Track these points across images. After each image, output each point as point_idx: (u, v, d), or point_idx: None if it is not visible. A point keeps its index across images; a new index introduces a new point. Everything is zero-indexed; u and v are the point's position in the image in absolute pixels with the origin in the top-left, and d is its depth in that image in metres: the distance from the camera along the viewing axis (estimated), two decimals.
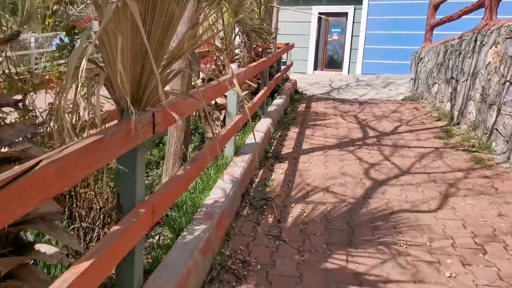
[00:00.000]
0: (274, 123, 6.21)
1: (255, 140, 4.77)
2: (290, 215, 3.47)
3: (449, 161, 4.92)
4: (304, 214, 3.48)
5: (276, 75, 7.70)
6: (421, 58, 9.86)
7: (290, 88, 9.14)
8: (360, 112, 7.85)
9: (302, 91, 10.23)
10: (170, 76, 2.20)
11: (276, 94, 7.88)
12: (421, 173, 4.55)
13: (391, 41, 15.61)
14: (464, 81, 6.58)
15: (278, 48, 8.46)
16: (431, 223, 3.37)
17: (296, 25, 17.43)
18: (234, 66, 4.26)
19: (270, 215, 3.44)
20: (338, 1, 16.79)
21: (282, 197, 3.82)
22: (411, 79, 10.79)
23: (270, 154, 5.07)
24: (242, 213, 3.46)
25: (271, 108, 6.74)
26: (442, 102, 7.68)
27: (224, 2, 5.16)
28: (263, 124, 5.58)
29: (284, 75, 9.99)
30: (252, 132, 5.02)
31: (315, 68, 17.48)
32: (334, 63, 17.56)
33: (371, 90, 11.41)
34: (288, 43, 10.16)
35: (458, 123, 6.62)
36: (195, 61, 6.36)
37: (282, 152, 5.20)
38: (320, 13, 17.18)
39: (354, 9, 16.54)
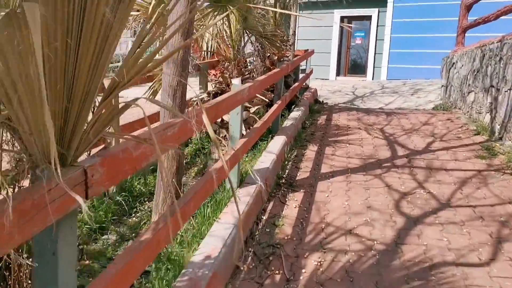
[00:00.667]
0: (290, 140, 5.49)
1: (265, 165, 4.07)
2: (303, 270, 2.73)
3: (496, 189, 4.10)
4: (321, 269, 2.74)
5: (294, 85, 6.98)
6: (454, 63, 8.96)
7: (310, 97, 8.39)
8: (387, 124, 7.04)
9: (322, 101, 9.46)
10: (118, 109, 1.52)
11: (293, 106, 7.16)
12: (464, 206, 3.74)
13: (418, 44, 14.67)
14: (507, 91, 5.71)
15: (296, 55, 7.74)
16: (485, 284, 2.59)
17: (318, 30, 16.67)
18: (236, 81, 3.57)
19: (277, 271, 2.72)
20: (361, 4, 15.95)
21: (294, 243, 3.09)
22: (442, 85, 9.88)
23: (283, 181, 4.35)
24: (242, 268, 2.75)
25: (286, 123, 6.01)
26: (479, 113, 6.80)
27: (229, 6, 4.50)
28: (276, 144, 4.87)
29: (304, 84, 9.25)
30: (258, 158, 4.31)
31: (338, 74, 16.66)
32: (357, 69, 16.70)
33: (398, 98, 10.55)
34: (308, 50, 9.42)
35: (501, 138, 5.75)
36: (202, 71, 5.72)
37: (297, 178, 4.47)
38: (342, 17, 16.39)
39: (378, 11, 15.67)
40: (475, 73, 7.24)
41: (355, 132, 6.46)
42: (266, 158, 4.33)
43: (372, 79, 15.66)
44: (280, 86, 5.49)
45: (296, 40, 17.40)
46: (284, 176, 4.48)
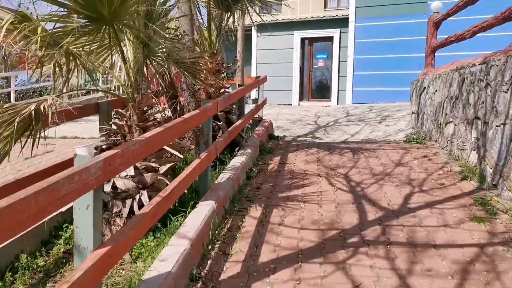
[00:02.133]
0: (224, 204, 3.99)
1: (166, 267, 2.55)
2: None
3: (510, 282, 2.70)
4: None
5: (236, 123, 5.51)
6: (425, 87, 7.74)
7: (262, 133, 6.95)
8: (353, 167, 5.64)
9: (278, 136, 8.03)
10: None
11: (237, 149, 5.68)
12: None
13: (383, 66, 13.61)
14: (499, 126, 4.41)
15: (241, 85, 6.30)
16: None
17: (277, 53, 15.47)
18: (81, 150, 2.08)
19: None
20: (322, 24, 14.88)
21: None
22: (413, 112, 8.65)
23: (200, 285, 2.82)
24: None
25: (222, 176, 4.52)
26: (463, 149, 5.50)
27: (117, 25, 3.03)
28: (197, 219, 3.35)
29: (256, 116, 7.83)
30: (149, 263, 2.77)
31: (301, 98, 15.45)
32: (321, 93, 15.52)
33: (365, 126, 9.26)
34: (259, 76, 8.03)
35: (495, 186, 4.43)
36: (101, 113, 4.19)
37: (221, 277, 2.94)
38: (303, 39, 15.27)
39: (340, 32, 14.63)
40: (453, 100, 5.98)
41: (314, 182, 5.01)
42: (172, 251, 2.80)
43: (337, 103, 14.48)
44: (207, 131, 4.01)
45: (256, 64, 16.16)
46: (201, 275, 2.94)
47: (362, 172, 5.37)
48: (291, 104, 15.12)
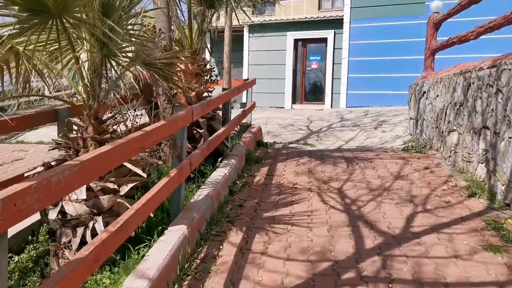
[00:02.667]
0: (198, 229, 3.42)
1: None
2: None
3: None
4: None
5: (220, 131, 4.94)
6: (424, 92, 7.22)
7: (249, 141, 6.38)
8: (348, 180, 5.10)
9: (268, 142, 7.46)
10: None
11: (220, 159, 5.11)
12: None
13: (379, 68, 13.10)
14: None
15: (225, 89, 5.74)
16: None
17: (270, 54, 14.92)
18: None
19: None
20: (316, 25, 14.34)
21: None
22: (411, 118, 8.13)
23: None
24: None
25: (200, 193, 3.94)
26: (468, 161, 4.97)
27: (66, 18, 2.46)
28: (162, 251, 2.77)
29: (244, 121, 7.27)
30: None
31: (294, 101, 14.91)
32: (315, 95, 14.99)
33: (360, 132, 8.73)
34: (248, 79, 7.46)
35: (508, 205, 3.90)
36: (59, 121, 3.61)
37: None
38: (296, 40, 14.73)
39: (334, 33, 14.11)
40: (457, 107, 5.46)
41: (304, 198, 4.46)
42: None
43: (331, 106, 13.95)
44: (181, 143, 3.43)
45: (248, 66, 15.59)
46: None
47: (358, 187, 4.82)
48: (283, 107, 14.58)
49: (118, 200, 2.85)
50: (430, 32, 7.98)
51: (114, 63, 3.01)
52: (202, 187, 4.15)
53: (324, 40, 14.41)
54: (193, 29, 5.06)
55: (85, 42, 2.81)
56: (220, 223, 3.76)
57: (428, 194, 4.50)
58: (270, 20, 15.06)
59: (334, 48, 14.14)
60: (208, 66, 5.48)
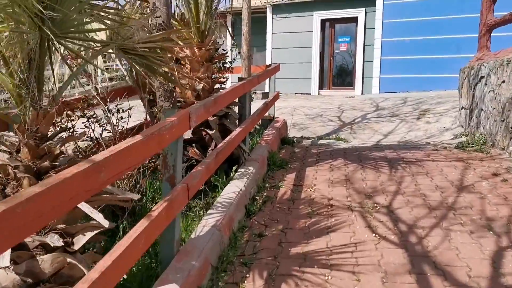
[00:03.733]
0: (196, 285, 2.38)
1: None
2: None
3: None
4: None
5: (234, 133, 3.87)
6: (482, 77, 5.93)
7: (272, 140, 5.29)
8: (397, 193, 3.96)
9: (294, 139, 6.34)
10: None
11: (236, 167, 4.04)
12: None
13: (416, 49, 11.69)
14: None
15: (243, 78, 4.63)
16: None
17: (295, 36, 13.65)
18: None
19: None
20: (345, 3, 12.96)
21: None
22: (463, 107, 6.84)
23: None
24: None
25: (205, 222, 2.90)
26: None
27: None
28: None
29: (268, 114, 6.18)
30: None
31: (321, 87, 13.65)
32: (344, 80, 13.68)
33: (400, 124, 7.50)
34: (270, 65, 6.32)
35: None
36: None
37: None
38: (323, 20, 13.41)
39: (365, 12, 12.70)
40: None
41: (343, 222, 3.36)
42: None
43: (362, 92, 12.65)
44: (173, 162, 2.38)
45: (271, 50, 14.39)
46: None
47: (412, 203, 3.69)
48: (310, 94, 13.36)
49: (69, 260, 1.83)
50: (486, 5, 6.63)
51: (63, 49, 1.97)
52: (209, 211, 3.11)
53: (354, 20, 13.02)
54: (200, 4, 3.96)
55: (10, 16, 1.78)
56: (231, 268, 2.71)
57: (509, 216, 3.33)
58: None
59: (365, 28, 12.75)
60: (221, 51, 4.39)
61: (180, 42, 3.65)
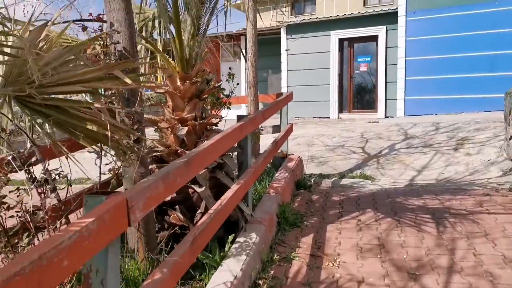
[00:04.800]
0: None
1: None
2: None
3: None
4: None
5: (228, 193, 2.84)
6: None
7: (284, 187, 4.23)
8: (453, 270, 2.84)
9: (311, 181, 5.27)
10: None
11: (232, 239, 2.99)
12: None
13: (444, 68, 10.57)
14: None
15: (238, 117, 3.62)
16: None
17: (311, 57, 12.71)
18: None
19: None
20: (364, 22, 11.99)
21: None
22: (511, 137, 5.68)
23: None
24: None
25: None
26: None
27: None
28: None
29: (280, 151, 5.16)
30: None
31: (341, 110, 12.61)
32: (365, 103, 12.61)
33: (436, 156, 6.35)
34: (281, 93, 5.30)
35: None
36: None
37: None
38: (341, 40, 12.44)
39: (386, 30, 11.69)
40: None
41: None
42: None
43: (385, 115, 11.54)
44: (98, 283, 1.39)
45: (287, 72, 13.47)
46: None
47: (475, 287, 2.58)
48: (329, 117, 12.32)
49: None
50: None
51: None
52: None
53: (374, 38, 12.01)
54: (185, 25, 3.00)
55: None
56: None
57: None
58: (310, 18, 12.89)
59: (386, 47, 11.72)
60: (213, 82, 3.41)
61: (127, 81, 2.69)
